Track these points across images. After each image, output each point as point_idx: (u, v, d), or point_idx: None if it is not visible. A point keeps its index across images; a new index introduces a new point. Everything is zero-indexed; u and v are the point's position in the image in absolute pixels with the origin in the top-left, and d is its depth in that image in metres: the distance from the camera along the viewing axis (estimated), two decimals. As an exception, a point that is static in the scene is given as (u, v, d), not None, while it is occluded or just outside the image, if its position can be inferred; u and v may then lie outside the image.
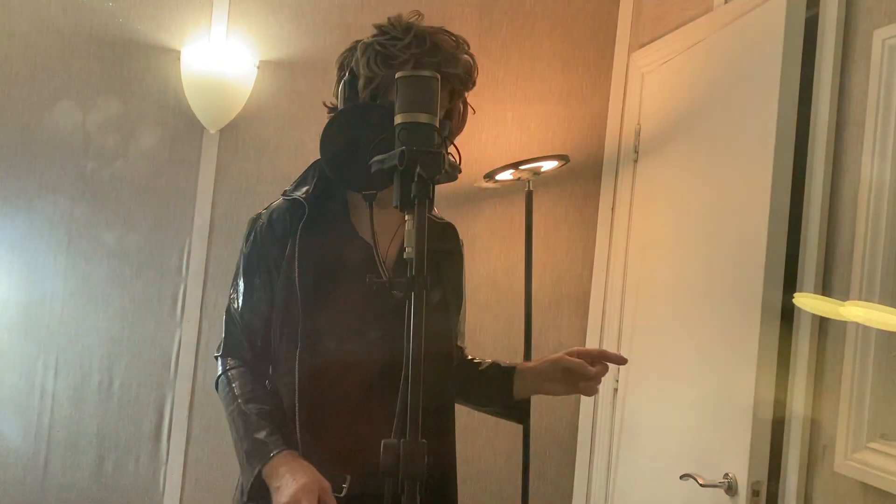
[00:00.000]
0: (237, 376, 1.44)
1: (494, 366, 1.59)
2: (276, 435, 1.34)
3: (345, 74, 1.41)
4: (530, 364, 1.57)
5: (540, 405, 2.70)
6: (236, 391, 1.41)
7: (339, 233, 1.45)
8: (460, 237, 1.59)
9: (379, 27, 1.43)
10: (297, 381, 1.38)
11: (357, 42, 1.46)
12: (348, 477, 1.35)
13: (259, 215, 1.50)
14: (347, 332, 1.41)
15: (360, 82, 1.39)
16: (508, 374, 1.55)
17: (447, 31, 1.43)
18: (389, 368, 1.32)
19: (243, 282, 1.47)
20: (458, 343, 1.62)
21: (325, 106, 1.52)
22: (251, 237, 1.48)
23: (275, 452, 1.31)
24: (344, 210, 1.47)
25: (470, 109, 1.51)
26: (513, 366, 1.57)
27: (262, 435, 1.34)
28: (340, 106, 1.40)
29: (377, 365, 1.38)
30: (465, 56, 1.43)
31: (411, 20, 1.42)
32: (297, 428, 1.37)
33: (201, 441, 2.57)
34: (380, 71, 1.37)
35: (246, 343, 1.46)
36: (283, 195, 1.50)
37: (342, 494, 1.34)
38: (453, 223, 1.59)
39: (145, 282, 2.57)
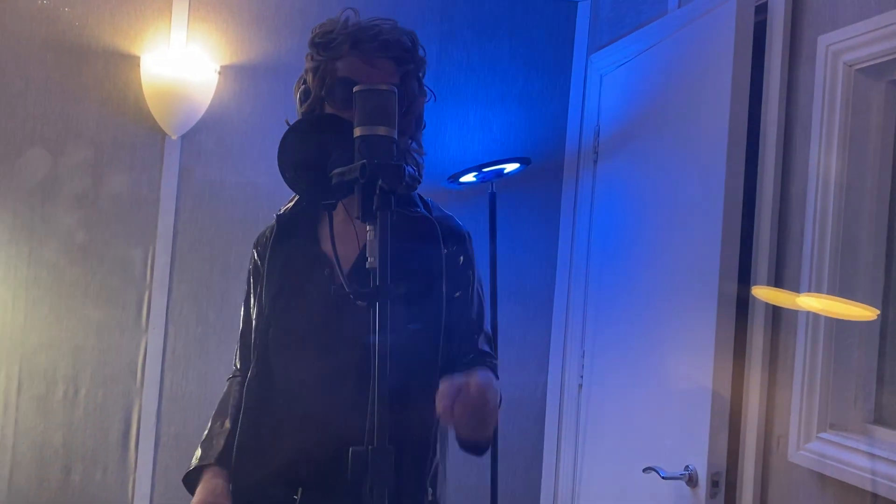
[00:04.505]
0: (229, 386, 1.56)
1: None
2: (215, 451, 1.45)
3: (301, 87, 1.48)
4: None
5: (506, 402, 2.74)
6: (221, 399, 1.54)
7: (301, 246, 1.47)
8: (438, 227, 1.48)
9: (316, 27, 1.48)
10: (243, 397, 1.45)
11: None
12: (300, 489, 1.39)
13: (261, 233, 1.57)
14: (298, 345, 1.44)
15: (309, 78, 1.44)
16: None
17: (380, 17, 1.46)
18: (343, 380, 1.36)
19: (244, 299, 1.56)
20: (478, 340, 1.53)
21: (288, 124, 1.53)
22: (252, 256, 1.56)
23: (194, 465, 1.45)
24: (312, 223, 1.49)
25: (431, 96, 1.52)
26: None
27: (206, 444, 1.47)
28: (303, 108, 1.46)
29: (331, 377, 1.40)
30: (403, 30, 1.45)
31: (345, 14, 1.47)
32: (235, 443, 1.44)
33: (170, 448, 2.57)
34: (321, 57, 1.42)
35: (243, 356, 1.54)
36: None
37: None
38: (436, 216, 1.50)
39: (109, 290, 2.55)
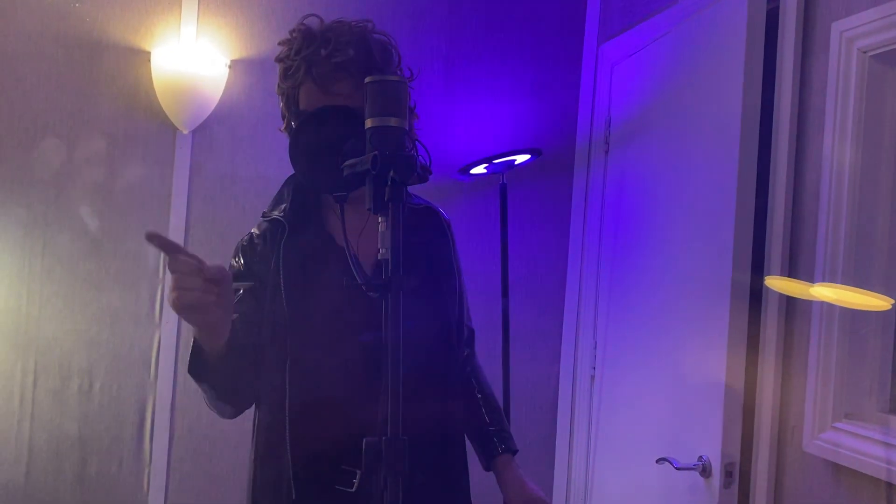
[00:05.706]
0: None
1: (486, 439, 1.65)
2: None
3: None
4: (505, 481, 1.64)
5: (518, 393, 2.75)
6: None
7: (318, 245, 1.47)
8: (444, 218, 1.61)
9: (281, 42, 1.48)
10: (287, 395, 1.41)
11: None
12: (358, 472, 1.38)
13: (242, 238, 1.53)
14: (334, 339, 1.43)
15: (280, 103, 1.48)
16: (489, 454, 1.66)
17: (342, 20, 1.45)
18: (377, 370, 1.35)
19: None
20: (466, 322, 1.64)
21: (283, 132, 1.53)
22: (236, 257, 1.51)
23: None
24: (320, 220, 1.49)
25: (410, 74, 1.49)
26: (496, 458, 1.65)
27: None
28: (285, 127, 1.50)
29: (372, 367, 1.39)
30: (359, 38, 1.43)
31: (304, 22, 1.46)
32: (288, 439, 1.40)
33: (184, 441, 2.58)
34: (284, 85, 1.45)
35: None
36: (262, 216, 1.52)
37: (353, 489, 1.38)
38: (434, 206, 1.61)
39: (123, 284, 2.56)
